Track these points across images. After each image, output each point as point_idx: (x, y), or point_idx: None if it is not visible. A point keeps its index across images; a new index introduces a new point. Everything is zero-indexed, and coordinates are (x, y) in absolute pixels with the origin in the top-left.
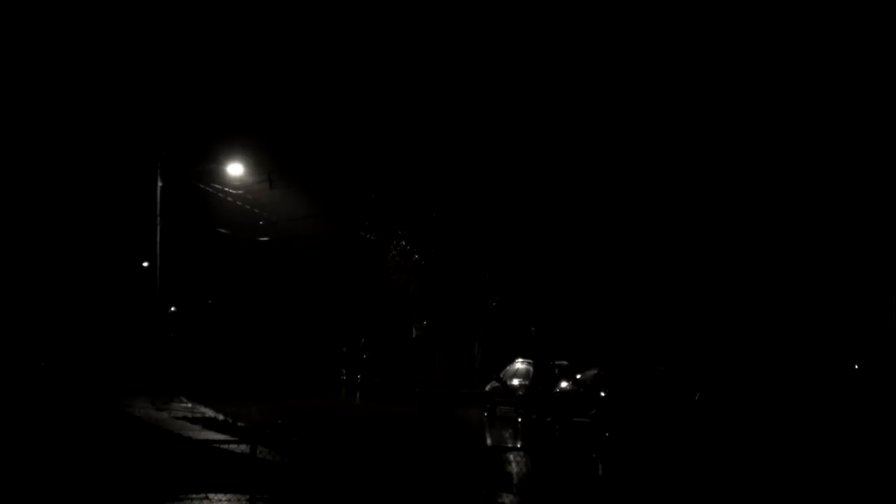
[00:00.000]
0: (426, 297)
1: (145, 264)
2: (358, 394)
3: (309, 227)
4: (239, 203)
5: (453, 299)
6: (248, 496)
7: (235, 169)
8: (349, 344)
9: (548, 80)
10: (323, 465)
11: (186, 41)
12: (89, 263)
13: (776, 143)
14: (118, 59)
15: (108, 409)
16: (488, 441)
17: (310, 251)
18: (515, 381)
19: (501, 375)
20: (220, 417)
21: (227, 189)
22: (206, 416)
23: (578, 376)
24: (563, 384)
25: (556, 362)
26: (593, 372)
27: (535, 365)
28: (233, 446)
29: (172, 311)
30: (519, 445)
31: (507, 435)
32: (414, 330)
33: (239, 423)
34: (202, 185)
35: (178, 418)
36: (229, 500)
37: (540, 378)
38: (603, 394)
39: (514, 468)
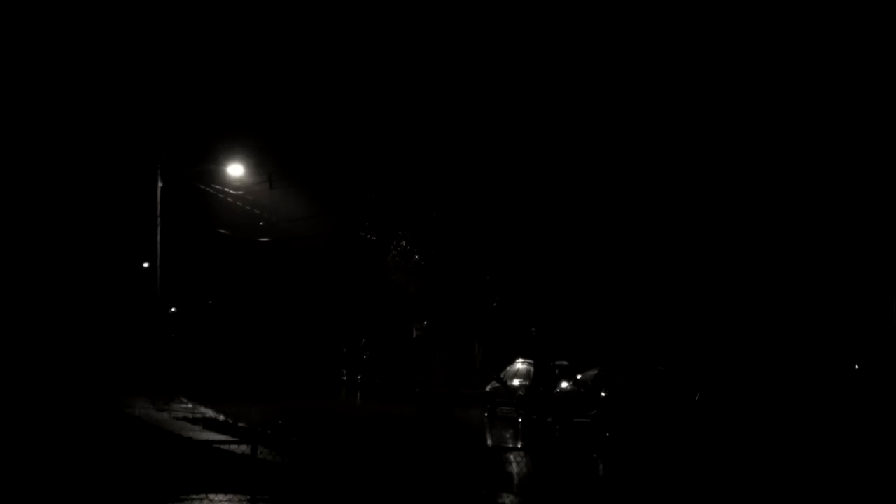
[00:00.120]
0: (426, 298)
1: (146, 265)
2: (358, 394)
3: (309, 228)
4: (239, 204)
5: (453, 300)
6: (248, 497)
7: (236, 169)
8: (349, 344)
9: (547, 81)
10: (323, 466)
11: (187, 42)
12: (90, 264)
13: (776, 144)
14: (119, 60)
15: (109, 410)
16: (489, 441)
17: (310, 252)
18: (516, 382)
19: (502, 376)
20: (221, 418)
21: (227, 189)
22: (207, 416)
23: (579, 376)
24: (564, 384)
25: (557, 362)
26: (593, 372)
27: (535, 365)
28: (233, 447)
29: (173, 312)
30: (519, 446)
31: (507, 435)
32: (414, 330)
33: (239, 424)
34: (202, 186)
35: (178, 419)
36: (230, 501)
37: (540, 378)
38: (603, 394)
39: (514, 468)
